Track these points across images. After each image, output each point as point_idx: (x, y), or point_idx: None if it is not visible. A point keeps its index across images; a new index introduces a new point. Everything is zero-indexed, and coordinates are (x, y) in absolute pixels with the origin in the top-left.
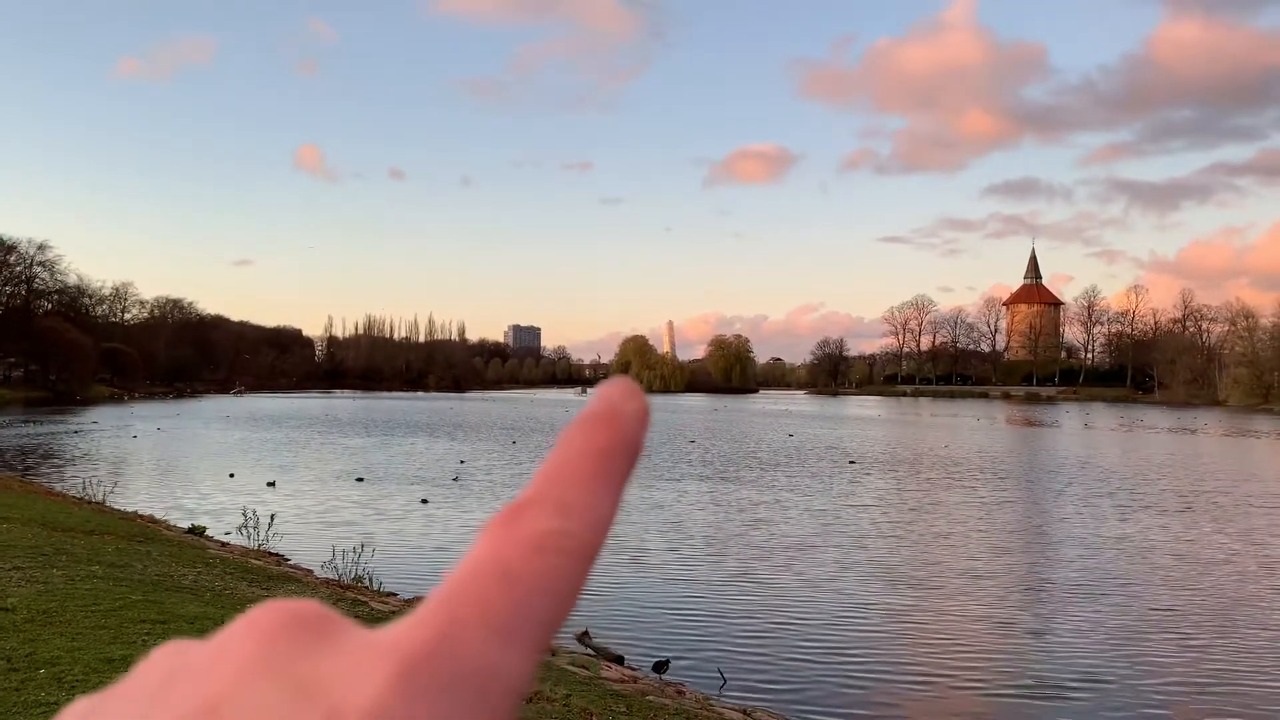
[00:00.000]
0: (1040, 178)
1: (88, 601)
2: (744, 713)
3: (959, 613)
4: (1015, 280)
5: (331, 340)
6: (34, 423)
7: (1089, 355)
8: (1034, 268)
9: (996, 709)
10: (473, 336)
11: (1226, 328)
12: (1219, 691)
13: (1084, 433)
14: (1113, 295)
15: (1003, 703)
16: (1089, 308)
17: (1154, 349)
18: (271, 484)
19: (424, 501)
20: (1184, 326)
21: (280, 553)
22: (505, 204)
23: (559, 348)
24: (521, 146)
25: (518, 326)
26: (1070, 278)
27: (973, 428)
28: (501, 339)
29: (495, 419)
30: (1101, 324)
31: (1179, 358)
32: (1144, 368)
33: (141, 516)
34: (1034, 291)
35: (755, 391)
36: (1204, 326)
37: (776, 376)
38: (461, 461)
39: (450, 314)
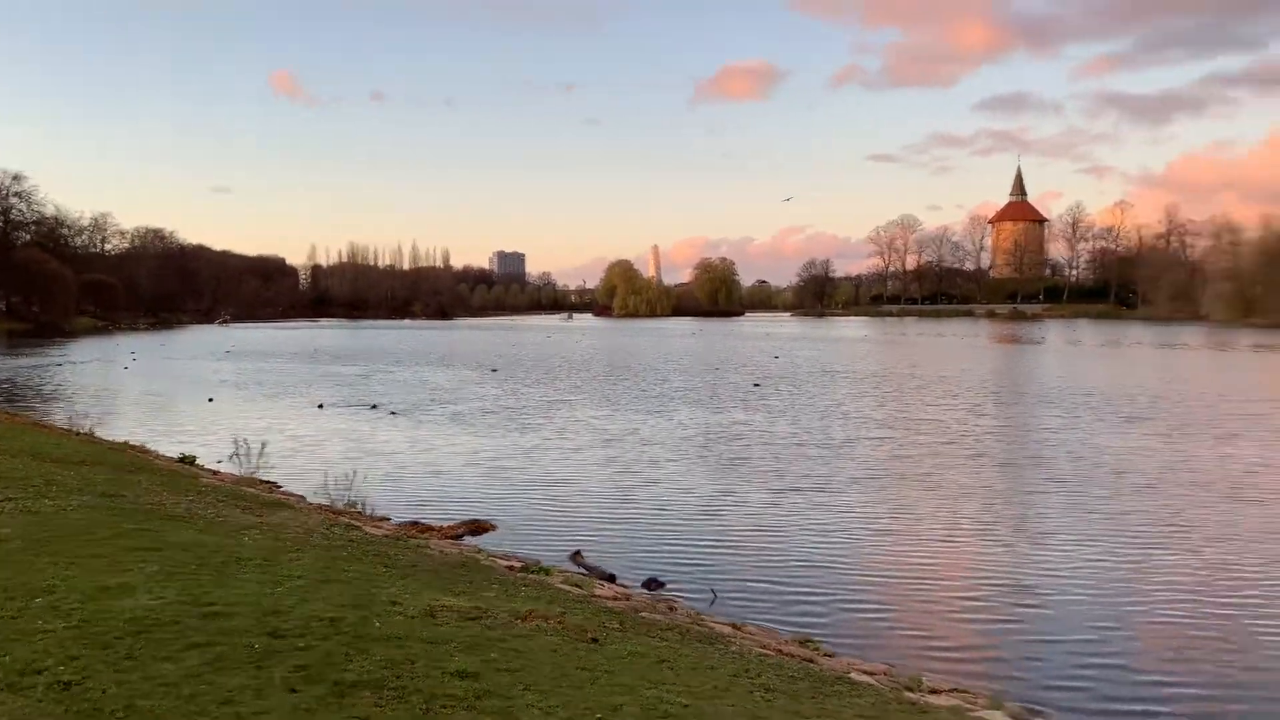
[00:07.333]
0: (1031, 91)
1: (81, 530)
2: (734, 626)
3: (945, 529)
4: (1004, 198)
5: (316, 269)
6: (18, 355)
7: (1073, 272)
8: (1019, 185)
9: (983, 623)
10: (457, 263)
11: (1210, 243)
12: (1206, 593)
13: (1068, 350)
14: (1098, 211)
15: (988, 615)
16: (1074, 224)
17: (1138, 265)
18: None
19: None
20: (1168, 242)
21: (272, 480)
22: (489, 127)
23: (544, 274)
24: (505, 67)
25: (502, 253)
26: (1059, 194)
27: (956, 346)
28: (486, 265)
29: (483, 349)
30: (1086, 240)
31: (1162, 274)
32: (1128, 284)
33: (132, 447)
34: (1019, 209)
35: (741, 315)
36: (1188, 241)
37: (763, 299)
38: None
39: (434, 241)
